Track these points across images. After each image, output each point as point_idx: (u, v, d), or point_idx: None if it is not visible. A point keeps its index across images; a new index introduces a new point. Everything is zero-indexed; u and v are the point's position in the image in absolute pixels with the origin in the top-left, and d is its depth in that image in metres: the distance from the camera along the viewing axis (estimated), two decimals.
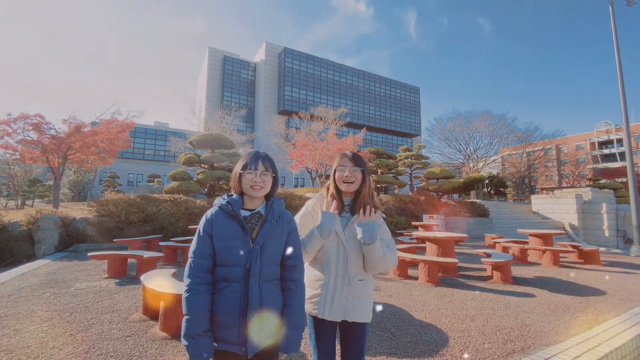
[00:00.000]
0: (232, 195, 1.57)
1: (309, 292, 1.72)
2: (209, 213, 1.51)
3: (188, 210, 10.98)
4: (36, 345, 2.94)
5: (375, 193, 20.91)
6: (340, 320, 1.69)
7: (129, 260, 6.42)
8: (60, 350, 2.84)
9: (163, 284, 3.46)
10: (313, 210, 1.84)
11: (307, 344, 3.01)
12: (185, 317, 1.36)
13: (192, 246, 1.45)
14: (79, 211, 11.28)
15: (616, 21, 11.42)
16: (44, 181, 34.62)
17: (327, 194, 1.84)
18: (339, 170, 1.80)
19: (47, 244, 8.66)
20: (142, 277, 3.80)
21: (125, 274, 6.02)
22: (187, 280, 1.40)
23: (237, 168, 1.56)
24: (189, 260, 1.44)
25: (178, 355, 2.81)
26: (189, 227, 9.74)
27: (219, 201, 1.54)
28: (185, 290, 1.39)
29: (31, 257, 8.32)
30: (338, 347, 1.81)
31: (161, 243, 7.80)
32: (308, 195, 14.21)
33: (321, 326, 1.72)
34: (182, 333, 1.35)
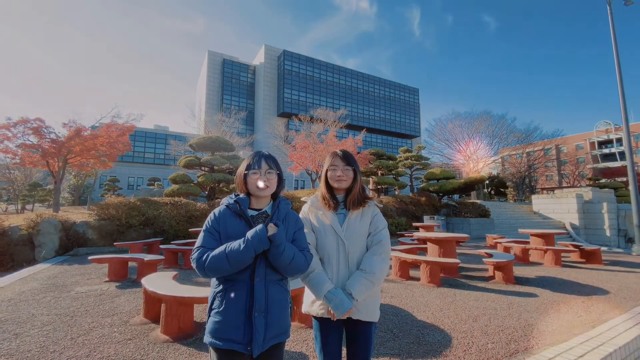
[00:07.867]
0: (239, 194, 1.57)
1: (312, 294, 1.70)
2: (216, 210, 1.51)
3: (188, 213, 10.97)
4: (37, 349, 2.92)
5: (369, 187, 20.70)
6: (345, 319, 1.67)
7: (130, 263, 6.40)
8: (61, 354, 2.83)
9: (164, 287, 3.44)
10: (310, 213, 1.84)
11: (313, 349, 3.00)
12: (226, 253, 1.35)
13: (198, 242, 1.44)
14: (79, 215, 11.27)
15: (614, 20, 11.43)
16: (44, 185, 34.61)
17: (321, 196, 1.83)
18: (331, 170, 1.81)
19: (47, 248, 8.64)
20: (143, 280, 3.78)
21: (126, 277, 6.01)
22: (196, 261, 1.38)
23: (241, 169, 1.57)
24: (194, 254, 1.40)
25: (179, 358, 2.80)
26: (189, 230, 9.72)
27: (226, 200, 1.54)
28: (202, 260, 1.36)
29: (31, 262, 8.30)
30: (344, 352, 1.79)
31: (162, 246, 7.79)
32: (303, 199, 14.14)
33: (327, 328, 1.70)
34: (241, 249, 1.34)
